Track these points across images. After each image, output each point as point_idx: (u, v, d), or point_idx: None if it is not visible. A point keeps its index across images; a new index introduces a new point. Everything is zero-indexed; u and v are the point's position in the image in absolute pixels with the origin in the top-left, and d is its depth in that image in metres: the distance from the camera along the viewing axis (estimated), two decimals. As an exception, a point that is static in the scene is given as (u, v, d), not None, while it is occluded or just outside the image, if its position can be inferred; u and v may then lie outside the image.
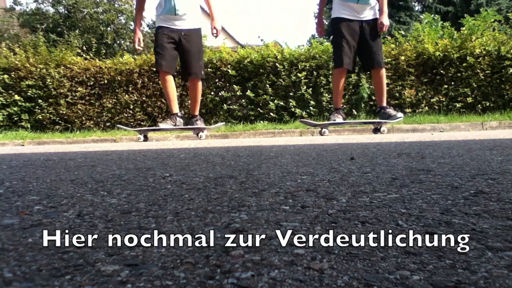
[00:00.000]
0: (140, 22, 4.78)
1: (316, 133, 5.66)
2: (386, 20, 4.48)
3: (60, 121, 7.42)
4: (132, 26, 14.05)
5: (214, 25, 4.57)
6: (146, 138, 5.02)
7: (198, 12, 4.66)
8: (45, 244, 0.66)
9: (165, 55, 4.44)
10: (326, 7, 5.13)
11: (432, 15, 8.19)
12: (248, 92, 6.86)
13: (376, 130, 4.85)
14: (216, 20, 4.59)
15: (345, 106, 6.68)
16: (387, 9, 4.53)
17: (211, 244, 0.64)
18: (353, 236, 0.66)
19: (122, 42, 14.50)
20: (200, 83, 4.66)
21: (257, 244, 0.63)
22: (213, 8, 4.63)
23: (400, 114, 4.59)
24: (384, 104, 4.61)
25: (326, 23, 4.60)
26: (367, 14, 4.39)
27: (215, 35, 4.60)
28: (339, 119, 4.64)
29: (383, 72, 4.51)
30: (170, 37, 4.47)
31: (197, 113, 4.81)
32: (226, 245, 0.63)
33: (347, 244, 0.62)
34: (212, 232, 0.71)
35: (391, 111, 4.60)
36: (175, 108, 4.68)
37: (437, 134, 4.22)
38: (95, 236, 0.69)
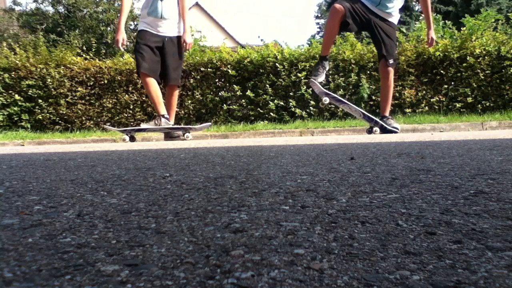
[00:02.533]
0: (123, 19, 4.66)
1: (316, 133, 5.66)
2: (434, 35, 4.50)
3: (60, 121, 7.42)
4: (132, 26, 14.06)
5: (184, 37, 4.55)
6: (133, 139, 4.93)
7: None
8: (45, 244, 0.66)
9: (146, 57, 4.39)
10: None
11: (435, 14, 8.20)
12: (248, 92, 6.87)
13: (370, 131, 4.84)
14: (187, 33, 4.58)
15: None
16: (433, 24, 4.49)
17: (211, 244, 0.64)
18: (353, 236, 0.66)
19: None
20: (177, 90, 4.76)
21: (257, 244, 0.63)
22: (186, 20, 4.58)
23: (395, 125, 4.48)
24: (387, 113, 4.46)
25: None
26: (384, 15, 4.33)
27: (185, 49, 4.60)
28: (320, 77, 4.42)
29: (391, 74, 4.30)
30: (153, 41, 4.44)
31: (172, 120, 4.76)
32: (226, 245, 0.63)
33: (347, 244, 0.62)
34: (212, 232, 0.71)
35: (391, 121, 4.48)
36: (161, 110, 4.62)
37: (437, 134, 4.22)
38: (95, 236, 0.69)
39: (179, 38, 4.59)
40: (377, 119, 4.56)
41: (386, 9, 4.28)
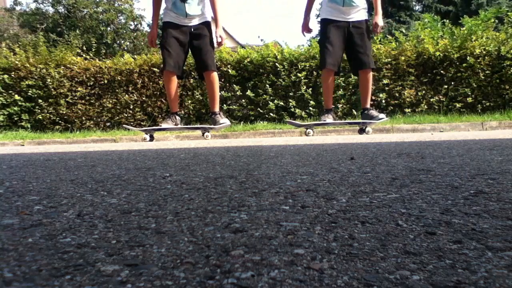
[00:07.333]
0: (157, 19, 4.73)
1: (316, 132, 5.66)
2: (380, 21, 4.50)
3: (60, 121, 7.42)
4: (132, 26, 14.07)
5: (218, 32, 4.49)
6: (152, 138, 4.98)
7: (208, 7, 4.54)
8: (45, 244, 0.66)
9: (173, 54, 4.39)
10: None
11: (432, 14, 8.19)
12: (248, 92, 6.87)
13: (361, 131, 4.86)
14: (220, 27, 4.53)
15: (344, 106, 6.68)
16: (381, 9, 4.53)
17: (211, 244, 0.64)
18: (353, 236, 0.66)
19: (122, 42, 14.49)
20: (214, 75, 4.54)
21: (257, 244, 0.63)
22: (219, 13, 4.50)
23: (382, 115, 4.59)
24: (368, 105, 4.65)
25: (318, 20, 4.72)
26: (354, 16, 4.38)
27: (219, 43, 4.51)
28: (329, 119, 4.66)
29: (371, 74, 4.53)
30: (179, 35, 4.42)
31: (216, 109, 4.71)
32: (226, 245, 0.63)
33: (347, 244, 0.62)
34: (212, 232, 0.71)
35: (374, 112, 4.61)
36: (175, 107, 4.69)
37: (437, 134, 4.22)
38: (95, 236, 0.69)
39: (206, 24, 4.48)
40: (362, 119, 4.71)
41: (352, 4, 4.30)
